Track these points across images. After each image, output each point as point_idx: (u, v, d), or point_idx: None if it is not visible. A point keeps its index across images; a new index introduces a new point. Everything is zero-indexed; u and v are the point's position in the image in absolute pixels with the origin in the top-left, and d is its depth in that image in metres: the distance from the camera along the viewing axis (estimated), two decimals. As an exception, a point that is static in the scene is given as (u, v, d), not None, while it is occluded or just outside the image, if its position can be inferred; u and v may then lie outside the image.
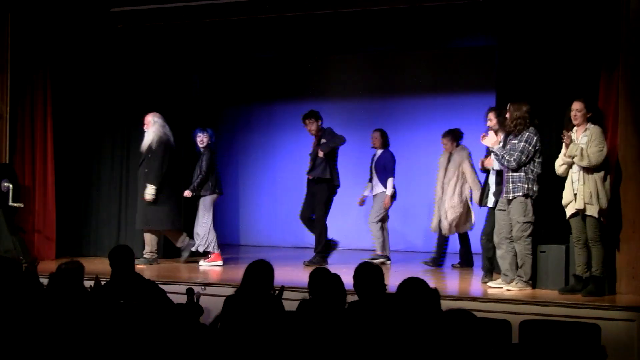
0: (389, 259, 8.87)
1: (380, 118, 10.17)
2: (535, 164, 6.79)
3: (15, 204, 8.53)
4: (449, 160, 8.58)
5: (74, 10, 8.85)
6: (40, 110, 9.01)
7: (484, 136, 7.04)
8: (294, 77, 11.11)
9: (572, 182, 6.59)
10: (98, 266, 7.92)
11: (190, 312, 5.24)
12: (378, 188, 8.93)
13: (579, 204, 6.50)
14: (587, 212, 6.47)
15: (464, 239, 8.69)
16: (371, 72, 10.76)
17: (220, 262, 8.65)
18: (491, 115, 7.29)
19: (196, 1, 8.34)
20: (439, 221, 8.51)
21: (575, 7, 7.30)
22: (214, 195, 8.67)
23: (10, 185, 8.51)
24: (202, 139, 8.71)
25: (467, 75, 10.22)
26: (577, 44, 7.32)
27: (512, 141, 6.84)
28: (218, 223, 11.17)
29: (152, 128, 8.64)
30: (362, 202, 9.28)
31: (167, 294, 5.66)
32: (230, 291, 6.49)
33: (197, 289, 6.20)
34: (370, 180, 9.10)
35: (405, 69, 10.61)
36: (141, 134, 8.84)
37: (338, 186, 8.66)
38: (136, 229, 8.77)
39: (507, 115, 6.90)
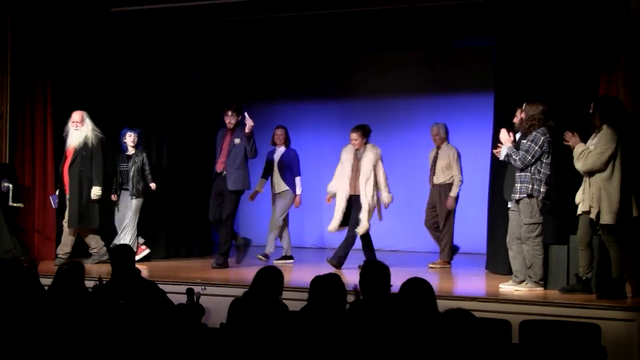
0: (292, 258, 8.80)
1: (380, 118, 10.17)
2: (543, 165, 6.68)
3: (15, 204, 8.51)
4: (357, 157, 8.28)
5: (74, 10, 8.84)
6: (40, 110, 9.00)
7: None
8: (294, 77, 11.12)
9: (584, 182, 6.48)
10: (98, 266, 7.97)
11: (192, 312, 5.24)
12: (281, 186, 8.83)
13: (584, 207, 6.42)
14: (592, 216, 6.34)
15: (367, 240, 8.32)
16: (372, 72, 10.76)
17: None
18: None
19: (196, 1, 8.34)
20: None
21: (574, 7, 7.30)
22: (141, 199, 8.71)
23: (10, 185, 8.50)
24: (134, 139, 8.72)
25: (466, 75, 10.21)
26: (576, 44, 7.31)
27: (523, 141, 6.78)
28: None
29: (86, 127, 8.53)
30: (253, 198, 9.16)
31: (167, 294, 5.66)
32: (230, 291, 6.55)
33: (197, 289, 6.22)
34: (265, 177, 8.98)
35: (405, 69, 10.61)
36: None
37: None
38: (69, 227, 8.53)
39: (522, 115, 6.83)
